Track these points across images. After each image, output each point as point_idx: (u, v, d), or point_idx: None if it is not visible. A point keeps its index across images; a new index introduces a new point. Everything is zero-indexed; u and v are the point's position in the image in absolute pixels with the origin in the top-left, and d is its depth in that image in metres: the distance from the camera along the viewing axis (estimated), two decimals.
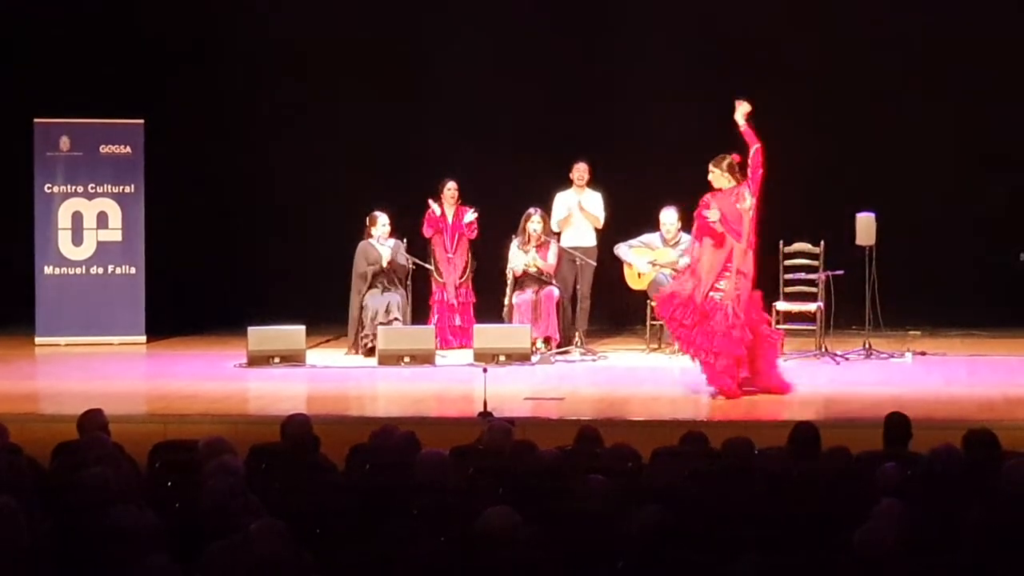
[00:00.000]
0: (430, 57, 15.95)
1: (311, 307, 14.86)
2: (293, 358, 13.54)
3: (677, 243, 14.03)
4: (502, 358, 13.36)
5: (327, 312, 14.93)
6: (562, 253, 14.32)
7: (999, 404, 11.45)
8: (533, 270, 14.21)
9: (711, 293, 11.73)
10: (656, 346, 14.18)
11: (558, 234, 14.44)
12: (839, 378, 12.90)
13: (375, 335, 13.81)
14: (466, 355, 13.86)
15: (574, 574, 6.11)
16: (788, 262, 14.17)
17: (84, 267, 15.29)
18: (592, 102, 15.80)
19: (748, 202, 11.73)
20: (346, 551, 6.26)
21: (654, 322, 13.93)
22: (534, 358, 13.68)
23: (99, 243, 15.30)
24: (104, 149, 15.32)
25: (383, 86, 16.00)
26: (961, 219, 15.48)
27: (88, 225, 15.29)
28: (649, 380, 12.83)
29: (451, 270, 14.60)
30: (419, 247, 14.56)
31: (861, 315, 14.00)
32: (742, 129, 11.70)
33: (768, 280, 13.52)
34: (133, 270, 15.30)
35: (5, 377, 13.17)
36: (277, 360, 13.50)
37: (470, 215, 14.47)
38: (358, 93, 16.00)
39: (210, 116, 15.94)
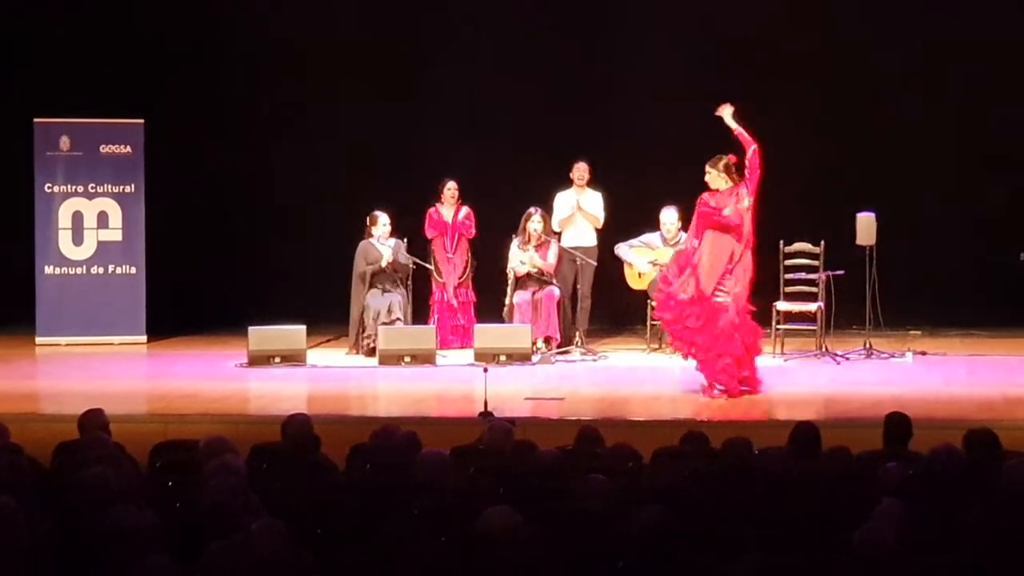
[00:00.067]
0: (430, 57, 15.96)
1: (311, 307, 14.86)
2: (294, 358, 13.54)
3: (677, 243, 14.01)
4: (503, 358, 13.36)
5: (327, 312, 14.92)
6: (562, 253, 14.32)
7: (999, 404, 11.45)
8: (533, 270, 14.21)
9: (716, 295, 11.72)
10: (656, 346, 14.18)
11: (558, 234, 14.44)
12: (839, 378, 12.90)
13: (377, 335, 13.82)
14: (467, 355, 13.87)
15: (574, 574, 6.11)
16: (788, 262, 14.17)
17: (84, 267, 15.30)
18: (592, 102, 15.80)
19: (746, 202, 11.75)
20: (346, 551, 6.26)
21: (654, 322, 13.92)
22: (534, 358, 13.68)
23: (99, 243, 15.31)
24: (104, 149, 15.32)
25: (383, 86, 16.01)
26: (961, 219, 15.49)
27: (88, 225, 15.29)
28: (649, 380, 12.83)
29: (451, 270, 14.61)
30: (419, 247, 14.57)
31: (861, 315, 14.01)
32: (735, 131, 11.71)
33: (768, 280, 13.53)
34: (133, 270, 15.30)
35: (6, 377, 13.17)
36: (278, 360, 13.50)
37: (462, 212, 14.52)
38: (358, 93, 16.00)
39: (210, 116, 15.94)
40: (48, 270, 15.25)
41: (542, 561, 6.10)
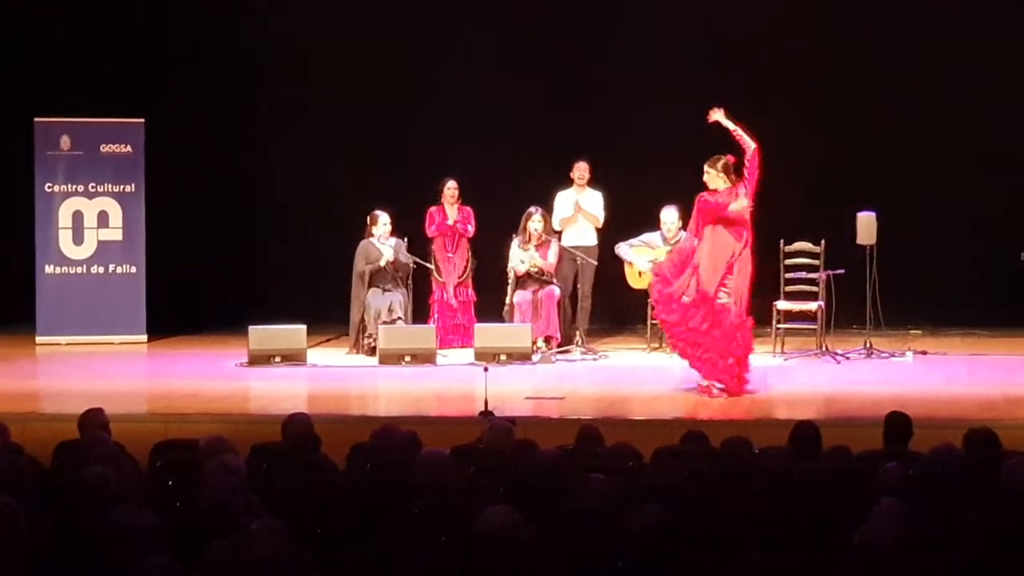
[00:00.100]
0: (430, 57, 15.95)
1: (311, 307, 14.86)
2: (294, 357, 13.54)
3: (677, 242, 13.98)
4: (503, 357, 13.37)
5: (327, 312, 14.92)
6: (563, 252, 14.32)
7: (999, 403, 11.45)
8: (534, 269, 14.21)
9: (720, 297, 11.72)
10: (657, 345, 14.17)
11: (559, 233, 14.45)
12: (840, 377, 12.90)
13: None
14: (467, 354, 13.87)
15: (574, 574, 6.11)
16: (789, 261, 14.17)
17: (85, 266, 15.30)
18: (592, 102, 15.80)
19: (744, 202, 11.75)
20: (346, 551, 6.26)
21: (655, 321, 13.91)
22: (535, 357, 13.68)
23: (100, 242, 15.31)
24: (104, 148, 15.32)
25: (383, 86, 16.00)
26: (961, 219, 15.48)
27: (89, 224, 15.30)
28: (650, 379, 12.82)
29: (451, 269, 14.61)
30: (419, 246, 14.57)
31: (862, 314, 14.01)
32: (733, 132, 11.71)
33: (769, 279, 13.54)
34: (134, 269, 15.30)
35: (6, 376, 13.17)
36: (278, 359, 13.50)
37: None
38: (358, 93, 16.00)
39: (210, 116, 15.94)
40: (48, 269, 15.25)
41: (542, 561, 6.10)
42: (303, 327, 13.72)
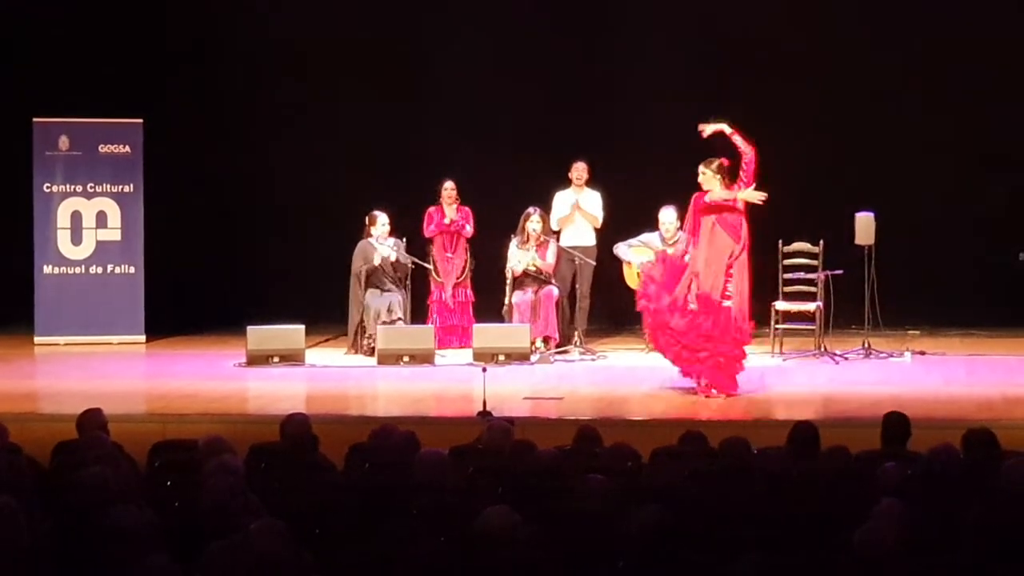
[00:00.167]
0: (430, 57, 15.95)
1: (311, 307, 14.87)
2: (292, 357, 13.54)
3: (676, 242, 14.00)
4: (501, 357, 13.37)
5: (327, 312, 14.93)
6: (561, 252, 14.32)
7: (998, 404, 11.45)
8: (532, 269, 14.21)
9: (724, 300, 11.71)
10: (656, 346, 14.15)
11: (557, 233, 14.45)
12: (838, 377, 12.90)
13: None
14: (465, 355, 13.87)
15: (574, 574, 6.11)
16: (787, 261, 14.17)
17: (83, 266, 15.29)
18: (592, 102, 15.80)
19: (733, 193, 11.76)
20: (346, 551, 6.26)
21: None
22: (533, 357, 13.68)
23: (98, 242, 15.31)
24: (103, 148, 15.32)
25: (383, 86, 16.01)
26: (961, 219, 15.48)
27: (87, 224, 15.29)
28: (648, 380, 12.80)
29: (450, 270, 14.61)
30: (418, 247, 14.57)
31: (860, 315, 14.00)
32: (731, 136, 11.69)
33: (767, 280, 13.54)
34: (132, 269, 15.30)
35: (5, 376, 13.17)
36: (276, 359, 13.50)
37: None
38: (358, 93, 16.00)
39: (210, 116, 15.94)
40: (47, 270, 15.25)
41: (541, 561, 6.09)
42: (302, 327, 13.72)
